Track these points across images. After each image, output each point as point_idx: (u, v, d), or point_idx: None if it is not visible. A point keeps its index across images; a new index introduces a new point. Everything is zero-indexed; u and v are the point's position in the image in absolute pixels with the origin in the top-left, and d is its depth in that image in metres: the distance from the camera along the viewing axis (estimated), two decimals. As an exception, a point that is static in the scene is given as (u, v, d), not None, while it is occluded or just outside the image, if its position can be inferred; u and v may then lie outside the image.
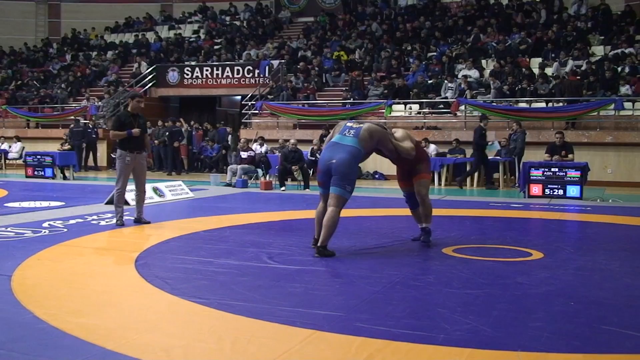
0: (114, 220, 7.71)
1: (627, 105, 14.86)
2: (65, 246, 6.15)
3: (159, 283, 4.66)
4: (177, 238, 6.77)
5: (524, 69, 16.83)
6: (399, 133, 6.44)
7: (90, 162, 19.45)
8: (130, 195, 9.55)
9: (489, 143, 14.01)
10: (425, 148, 11.78)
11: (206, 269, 5.17)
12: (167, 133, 17.97)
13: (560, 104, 15.29)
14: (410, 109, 17.11)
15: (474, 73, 17.33)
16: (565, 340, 3.46)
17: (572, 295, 4.45)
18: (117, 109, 20.84)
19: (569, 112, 15.05)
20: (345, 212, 8.13)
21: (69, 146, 17.94)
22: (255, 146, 15.28)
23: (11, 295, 4.29)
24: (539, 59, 17.61)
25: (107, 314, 3.91)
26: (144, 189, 7.90)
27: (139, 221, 7.78)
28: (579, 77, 15.74)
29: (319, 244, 5.84)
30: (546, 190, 11.25)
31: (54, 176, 15.62)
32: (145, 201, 9.70)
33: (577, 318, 3.90)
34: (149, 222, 7.78)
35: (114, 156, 19.10)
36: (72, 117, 20.64)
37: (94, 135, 19.20)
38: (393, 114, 16.80)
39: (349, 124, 6.16)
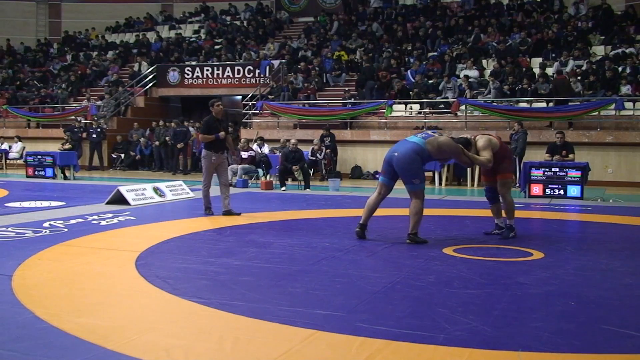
0: (204, 210, 8.53)
1: (628, 105, 14.86)
2: (65, 246, 6.14)
3: (160, 283, 4.66)
4: (178, 238, 6.77)
5: (524, 69, 16.83)
6: (480, 142, 6.78)
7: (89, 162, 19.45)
8: (130, 195, 9.61)
9: None
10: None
11: (207, 268, 5.17)
12: (172, 134, 17.97)
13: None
14: (411, 109, 17.11)
15: (474, 73, 17.34)
16: (566, 340, 3.46)
17: (573, 295, 4.45)
18: (117, 108, 20.88)
19: (569, 112, 15.04)
20: (345, 212, 8.15)
21: (70, 146, 17.96)
22: (254, 147, 15.28)
23: (12, 295, 4.29)
24: (540, 59, 17.61)
25: (108, 314, 3.91)
26: (227, 184, 8.75)
27: (228, 213, 8.48)
28: (567, 76, 15.79)
29: (409, 232, 6.36)
30: (547, 190, 11.24)
31: (54, 176, 15.62)
32: (146, 201, 9.79)
33: (577, 318, 3.90)
34: (239, 214, 8.47)
35: (114, 156, 19.38)
36: (73, 117, 20.67)
37: (94, 135, 19.19)
38: (393, 114, 16.80)
39: (428, 132, 6.70)
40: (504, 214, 6.97)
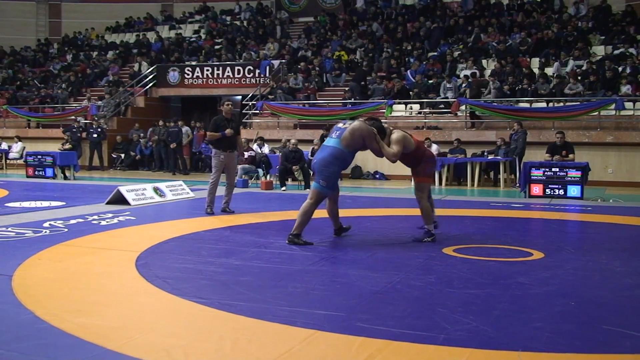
0: (205, 209, 8.63)
1: (628, 105, 14.86)
2: (65, 246, 6.15)
3: (160, 283, 4.66)
4: (178, 238, 6.77)
5: (524, 69, 16.83)
6: (395, 135, 6.60)
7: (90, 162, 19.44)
8: (130, 195, 9.61)
9: None
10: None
11: (207, 269, 5.17)
12: (166, 133, 17.96)
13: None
14: (411, 109, 17.12)
15: (473, 73, 17.33)
16: (566, 340, 3.46)
17: (573, 295, 4.45)
18: (117, 108, 20.89)
19: (569, 112, 15.04)
20: (345, 212, 8.13)
21: (70, 146, 17.95)
22: (254, 147, 15.27)
23: (12, 295, 4.29)
24: (540, 59, 17.60)
25: (108, 314, 3.91)
26: (233, 183, 9.04)
27: (225, 211, 8.74)
28: (482, 78, 16.19)
29: (291, 232, 6.34)
30: (547, 190, 11.24)
31: (54, 176, 15.61)
32: (146, 201, 9.80)
33: (577, 318, 3.90)
34: (233, 212, 8.69)
35: (114, 156, 19.38)
36: (73, 117, 20.66)
37: (94, 135, 19.17)
38: (394, 114, 16.80)
39: (339, 125, 6.59)
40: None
